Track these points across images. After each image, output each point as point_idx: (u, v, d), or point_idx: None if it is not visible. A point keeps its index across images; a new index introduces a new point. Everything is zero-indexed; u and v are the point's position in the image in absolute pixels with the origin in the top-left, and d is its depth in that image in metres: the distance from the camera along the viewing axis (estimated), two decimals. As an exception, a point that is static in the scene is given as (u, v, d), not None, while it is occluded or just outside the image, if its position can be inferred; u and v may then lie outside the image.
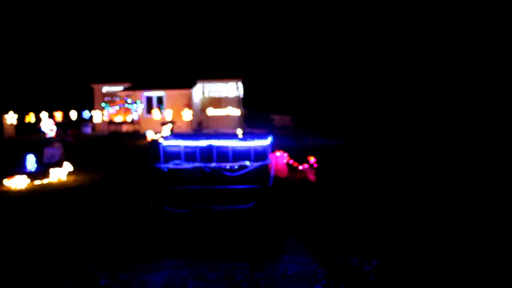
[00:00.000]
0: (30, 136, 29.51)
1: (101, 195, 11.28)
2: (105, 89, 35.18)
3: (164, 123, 28.28)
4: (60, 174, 13.73)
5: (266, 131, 21.18)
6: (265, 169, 6.54)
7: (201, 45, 40.79)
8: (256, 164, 6.46)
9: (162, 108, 32.20)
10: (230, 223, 6.60)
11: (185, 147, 6.53)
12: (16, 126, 31.15)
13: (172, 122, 29.22)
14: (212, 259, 6.56)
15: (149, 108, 32.61)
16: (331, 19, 53.19)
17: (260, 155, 6.50)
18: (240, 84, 35.31)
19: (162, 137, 6.68)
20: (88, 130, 32.99)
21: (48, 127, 26.88)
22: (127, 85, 33.90)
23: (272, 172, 6.64)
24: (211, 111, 33.55)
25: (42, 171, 14.70)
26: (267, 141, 6.54)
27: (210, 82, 35.09)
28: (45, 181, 13.29)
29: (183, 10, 55.64)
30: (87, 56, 46.78)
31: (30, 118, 32.69)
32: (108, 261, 6.64)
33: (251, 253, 6.62)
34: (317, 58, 50.43)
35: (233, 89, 35.14)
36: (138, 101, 31.40)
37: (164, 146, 6.55)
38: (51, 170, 13.69)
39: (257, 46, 49.59)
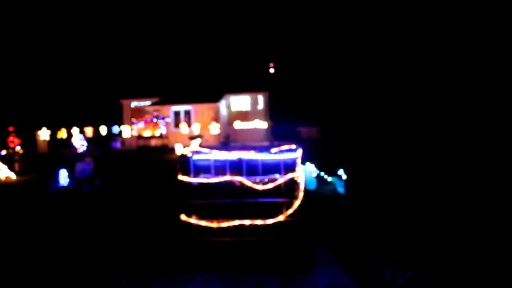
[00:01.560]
0: (62, 151, 30.16)
1: (131, 208, 11.41)
2: (134, 104, 35.75)
3: (192, 137, 28.53)
4: (90, 187, 13.96)
5: (293, 144, 21.15)
6: (295, 182, 6.52)
7: (228, 59, 41.15)
8: (286, 177, 6.45)
9: (190, 122, 32.50)
10: (260, 236, 6.59)
11: (215, 160, 6.57)
12: (49, 142, 31.94)
13: (199, 136, 29.46)
14: (243, 273, 6.56)
15: (176, 122, 32.96)
16: (359, 31, 53.03)
17: (289, 167, 6.50)
18: (266, 97, 35.44)
19: (191, 151, 6.74)
20: (117, 145, 33.53)
21: (79, 142, 27.44)
22: (155, 100, 34.40)
23: (302, 184, 6.62)
24: (238, 124, 33.70)
25: (74, 185, 14.99)
26: (297, 153, 6.53)
27: (237, 95, 35.32)
28: (75, 193, 13.53)
29: (209, 25, 56.28)
30: (116, 72, 47.68)
31: (62, 133, 33.44)
32: (139, 274, 6.70)
33: (281, 266, 6.60)
34: (344, 70, 50.26)
35: (260, 102, 35.26)
36: (166, 117, 31.79)
37: (194, 160, 6.60)
38: (82, 184, 13.94)
39: (283, 58, 49.75)
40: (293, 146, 6.81)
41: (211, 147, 6.97)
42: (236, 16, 56.73)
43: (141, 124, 31.50)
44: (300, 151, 6.65)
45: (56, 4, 57.63)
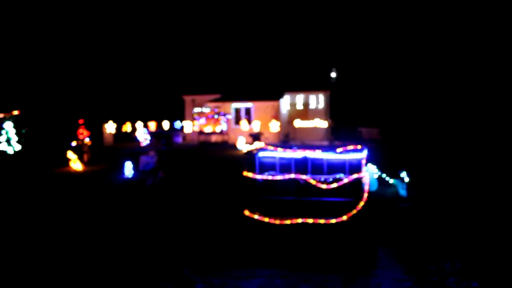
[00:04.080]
0: (126, 144, 31.22)
1: (194, 202, 11.68)
2: (195, 100, 36.43)
3: (252, 134, 28.78)
4: (154, 181, 14.39)
5: (354, 144, 20.88)
6: (359, 182, 6.48)
7: (289, 57, 41.15)
8: (350, 177, 6.42)
9: (250, 119, 32.77)
10: (322, 235, 6.60)
11: (280, 158, 6.63)
12: (114, 135, 33.17)
13: (260, 133, 29.66)
14: (304, 271, 6.58)
15: (237, 119, 33.33)
16: (424, 30, 51.61)
17: (355, 168, 6.46)
18: (328, 96, 35.17)
19: (257, 148, 6.83)
20: (179, 139, 34.31)
21: (143, 136, 28.37)
22: (216, 96, 34.93)
23: (367, 185, 6.56)
24: (298, 123, 33.65)
25: (138, 178, 15.53)
26: (362, 154, 6.49)
27: (297, 94, 35.25)
28: (141, 186, 14.00)
29: (271, 23, 56.46)
30: (179, 69, 48.82)
31: (127, 127, 34.62)
32: (202, 266, 6.87)
33: (343, 266, 6.58)
34: (407, 71, 49.06)
35: (321, 101, 35.04)
36: (227, 113, 32.21)
37: (259, 157, 6.69)
38: (146, 177, 14.39)
39: (345, 57, 49.19)
40: (359, 147, 6.77)
41: (273, 145, 7.01)
42: (299, 16, 56.59)
43: (202, 120, 32.08)
44: (365, 152, 6.60)
45: (127, 2, 59.69)
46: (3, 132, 20.43)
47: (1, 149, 20.66)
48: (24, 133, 24.03)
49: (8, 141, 20.49)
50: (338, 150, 6.57)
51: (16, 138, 20.86)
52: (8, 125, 20.32)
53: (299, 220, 6.60)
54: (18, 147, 21.06)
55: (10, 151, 20.69)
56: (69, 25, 50.74)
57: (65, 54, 48.85)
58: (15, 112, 14.88)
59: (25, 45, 46.67)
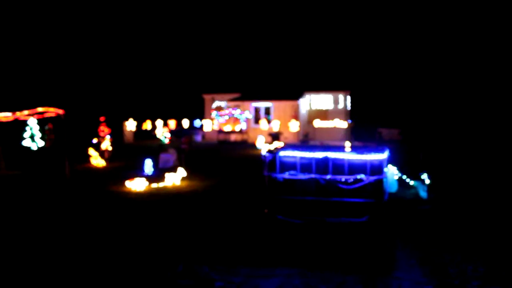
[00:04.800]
0: (146, 142, 31.49)
1: (213, 200, 11.75)
2: (215, 99, 36.57)
3: (271, 134, 28.78)
4: (174, 179, 14.50)
5: (373, 144, 20.74)
6: (380, 183, 6.46)
7: (309, 57, 41.05)
8: (371, 178, 6.40)
9: (270, 119, 32.77)
10: (342, 235, 6.59)
11: (301, 158, 6.65)
12: (135, 132, 33.49)
13: (279, 133, 29.65)
14: (323, 271, 6.58)
15: (256, 119, 33.35)
16: (443, 29, 51.00)
17: (376, 169, 6.44)
18: (347, 96, 34.99)
19: (277, 147, 6.85)
20: (198, 138, 34.48)
21: (163, 134, 28.57)
22: (235, 95, 34.99)
23: (387, 187, 6.54)
24: (317, 123, 33.53)
25: (157, 175, 15.67)
26: (384, 155, 6.46)
27: (317, 94, 35.14)
28: (160, 184, 14.12)
29: (291, 23, 56.41)
30: (199, 68, 49.05)
31: (147, 125, 34.90)
32: (221, 264, 6.91)
33: (362, 267, 6.56)
34: (427, 71, 48.54)
35: (341, 101, 34.89)
36: (246, 111, 32.25)
37: (280, 157, 6.71)
38: (166, 175, 14.51)
39: (365, 58, 48.88)
40: (382, 147, 6.75)
41: (293, 145, 7.03)
42: (320, 16, 56.44)
43: (222, 119, 32.16)
44: (387, 153, 6.58)
45: (149, 2, 60.23)
46: (27, 128, 20.78)
47: (25, 145, 21.03)
48: (47, 129, 24.43)
49: (32, 137, 20.83)
50: (357, 144, 6.55)
51: (40, 135, 21.19)
52: (32, 122, 20.66)
53: (320, 220, 6.61)
54: (41, 144, 21.39)
55: (34, 147, 21.02)
56: (93, 24, 51.40)
57: (89, 53, 49.51)
58: (39, 109, 15.14)
59: (50, 44, 47.42)
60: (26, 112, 15.69)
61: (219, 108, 31.93)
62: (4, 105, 24.41)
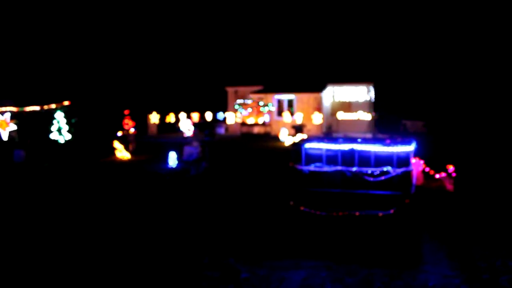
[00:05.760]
0: (170, 135, 31.72)
1: (238, 193, 11.77)
2: (238, 91, 36.56)
3: (294, 126, 28.67)
4: (198, 170, 14.58)
5: (398, 137, 20.47)
6: (407, 175, 6.39)
7: (332, 48, 40.69)
8: (398, 170, 6.34)
9: (293, 111, 32.65)
10: (368, 228, 6.55)
11: (327, 150, 6.62)
12: (158, 125, 33.76)
13: (302, 125, 29.52)
14: (349, 263, 6.54)
15: (279, 111, 33.25)
16: (470, 20, 49.97)
17: (403, 161, 6.37)
18: (371, 88, 34.63)
19: (303, 139, 6.83)
20: (221, 130, 34.54)
21: (186, 127, 28.75)
22: (258, 88, 34.92)
23: (414, 179, 6.46)
24: (341, 115, 33.29)
25: (182, 168, 15.77)
26: (411, 147, 6.39)
27: (340, 86, 34.83)
28: (185, 176, 14.21)
29: (314, 15, 55.99)
30: (222, 61, 49.08)
31: (170, 118, 35.10)
32: (247, 256, 6.93)
33: (389, 260, 6.51)
34: (454, 62, 47.67)
35: (364, 93, 34.55)
36: (269, 104, 32.18)
37: (306, 149, 6.69)
38: (190, 167, 14.58)
39: (390, 49, 48.24)
40: (408, 139, 6.67)
41: (316, 138, 7.00)
42: (342, 7, 55.84)
43: (245, 112, 32.13)
44: (414, 145, 6.50)
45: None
46: (55, 122, 21.14)
47: (53, 138, 21.41)
48: (73, 123, 24.78)
49: (59, 130, 21.18)
50: (382, 136, 6.49)
51: (67, 128, 21.53)
52: (59, 115, 21.00)
53: (345, 213, 6.58)
54: (68, 137, 21.73)
55: (61, 140, 21.38)
56: (118, 19, 51.86)
57: (113, 47, 50.00)
58: (66, 103, 15.35)
59: (76, 39, 48.04)
60: (53, 105, 15.95)
61: (243, 105, 31.91)
62: (32, 99, 24.86)
